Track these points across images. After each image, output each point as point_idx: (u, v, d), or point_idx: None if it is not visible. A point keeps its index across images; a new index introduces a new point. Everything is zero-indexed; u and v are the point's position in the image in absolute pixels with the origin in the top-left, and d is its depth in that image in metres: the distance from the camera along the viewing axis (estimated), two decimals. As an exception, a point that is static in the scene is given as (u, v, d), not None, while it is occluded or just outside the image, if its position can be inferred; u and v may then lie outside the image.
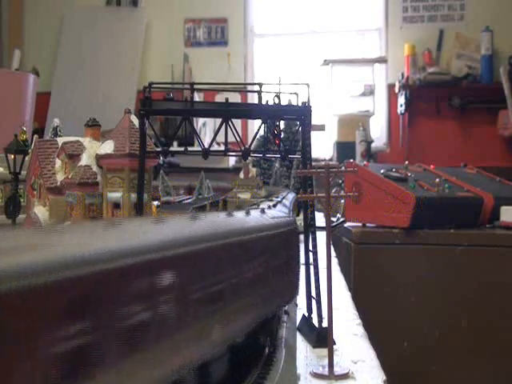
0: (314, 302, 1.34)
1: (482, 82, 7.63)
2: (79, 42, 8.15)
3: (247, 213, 1.02)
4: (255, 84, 1.29)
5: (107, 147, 1.52)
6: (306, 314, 1.40)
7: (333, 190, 1.44)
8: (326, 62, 7.49)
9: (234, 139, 1.28)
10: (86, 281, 0.49)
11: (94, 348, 0.49)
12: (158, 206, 1.59)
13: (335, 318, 1.14)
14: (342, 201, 3.36)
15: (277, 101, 1.29)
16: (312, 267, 1.33)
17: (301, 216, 1.42)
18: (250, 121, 6.52)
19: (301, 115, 1.32)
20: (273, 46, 8.42)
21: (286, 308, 1.42)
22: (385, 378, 1.13)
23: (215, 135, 1.38)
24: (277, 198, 1.73)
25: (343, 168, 2.08)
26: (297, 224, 1.27)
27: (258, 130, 1.33)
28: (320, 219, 2.22)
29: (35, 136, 2.14)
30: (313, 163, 1.32)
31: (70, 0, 8.42)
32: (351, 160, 4.36)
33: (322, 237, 1.26)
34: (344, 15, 8.24)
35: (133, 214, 1.45)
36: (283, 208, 1.47)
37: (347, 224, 3.22)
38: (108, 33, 8.16)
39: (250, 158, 1.41)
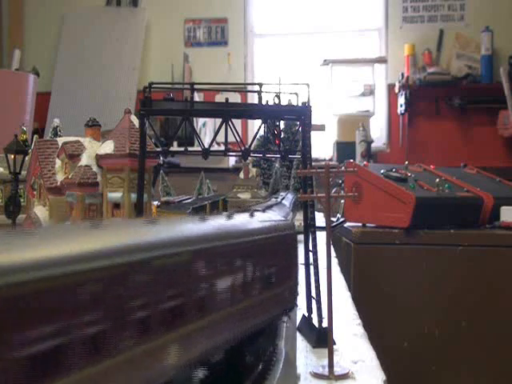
0: (314, 302, 1.34)
1: (482, 82, 7.63)
2: (79, 42, 8.15)
3: (239, 216, 0.97)
4: (255, 84, 1.29)
5: (107, 147, 1.52)
6: (306, 314, 1.40)
7: (333, 190, 1.44)
8: (326, 62, 7.49)
9: (234, 139, 1.28)
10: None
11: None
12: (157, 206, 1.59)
13: (335, 318, 1.14)
14: (342, 201, 3.35)
15: (277, 101, 1.29)
16: (312, 267, 1.33)
17: (301, 216, 1.42)
18: (250, 121, 6.52)
19: (301, 115, 1.31)
20: (273, 45, 8.42)
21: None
22: (385, 378, 1.13)
23: (215, 135, 1.38)
24: (276, 198, 1.72)
25: (343, 168, 2.08)
26: (295, 227, 1.26)
27: (258, 130, 1.33)
28: (320, 219, 2.22)
29: (35, 136, 2.14)
30: (313, 163, 1.32)
31: (70, 0, 8.42)
32: (351, 160, 4.36)
33: (322, 237, 1.26)
34: (344, 15, 8.23)
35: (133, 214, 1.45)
36: (281, 210, 1.46)
37: (347, 224, 3.22)
38: (108, 33, 8.16)
39: (250, 157, 1.41)
